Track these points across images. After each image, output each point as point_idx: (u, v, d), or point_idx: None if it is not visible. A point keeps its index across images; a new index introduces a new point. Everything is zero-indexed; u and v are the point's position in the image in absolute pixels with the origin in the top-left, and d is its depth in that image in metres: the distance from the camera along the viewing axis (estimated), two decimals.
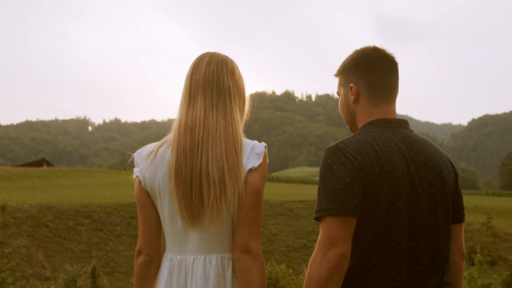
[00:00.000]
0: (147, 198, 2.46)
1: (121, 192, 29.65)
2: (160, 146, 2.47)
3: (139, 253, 2.51)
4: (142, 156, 2.49)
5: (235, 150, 2.35)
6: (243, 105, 2.53)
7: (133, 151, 2.52)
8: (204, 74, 2.45)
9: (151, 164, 2.43)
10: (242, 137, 2.43)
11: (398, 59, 2.47)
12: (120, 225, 23.63)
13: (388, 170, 2.21)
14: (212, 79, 2.44)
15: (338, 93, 2.58)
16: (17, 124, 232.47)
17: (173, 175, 2.35)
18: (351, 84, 2.46)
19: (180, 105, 2.48)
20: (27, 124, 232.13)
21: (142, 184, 2.45)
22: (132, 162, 2.53)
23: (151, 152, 2.46)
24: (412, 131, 2.42)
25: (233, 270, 2.38)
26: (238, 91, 2.49)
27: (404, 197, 2.23)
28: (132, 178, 2.51)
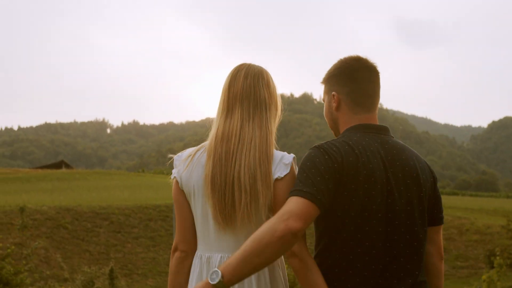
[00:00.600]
0: (183, 197, 2.62)
1: (139, 194, 29.78)
2: (197, 150, 2.63)
3: (175, 249, 2.67)
4: (181, 159, 2.65)
5: (267, 158, 2.50)
6: (276, 114, 2.68)
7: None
8: (242, 86, 2.60)
9: (188, 166, 2.60)
10: (274, 147, 2.58)
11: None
12: (138, 227, 23.70)
13: (364, 174, 2.34)
14: (250, 92, 2.59)
15: (323, 100, 2.72)
16: (36, 127, 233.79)
17: (209, 182, 2.50)
18: (333, 92, 2.60)
19: (218, 115, 2.64)
20: (46, 127, 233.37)
21: (180, 184, 2.62)
22: (171, 163, 2.71)
23: (189, 156, 2.62)
24: (393, 137, 2.55)
25: (260, 272, 2.52)
26: (273, 101, 2.65)
27: (380, 199, 2.35)
28: (170, 179, 2.68)
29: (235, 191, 2.47)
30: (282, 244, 2.15)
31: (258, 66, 2.68)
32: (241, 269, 2.17)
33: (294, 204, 2.22)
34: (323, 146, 2.39)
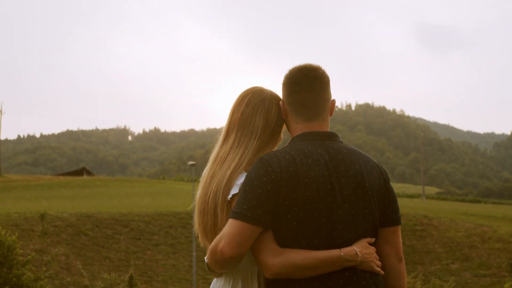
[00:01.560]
0: None
1: (160, 201, 29.86)
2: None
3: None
4: None
5: (230, 184, 2.58)
6: (271, 138, 2.74)
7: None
8: (241, 114, 2.70)
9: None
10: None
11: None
12: (158, 234, 23.74)
13: (305, 182, 2.42)
14: (246, 120, 2.69)
15: None
16: (58, 134, 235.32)
17: (197, 204, 2.68)
18: (280, 102, 2.71)
19: (220, 138, 2.77)
20: (68, 134, 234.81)
21: None
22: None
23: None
24: (341, 142, 2.63)
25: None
26: (268, 128, 2.71)
27: (323, 205, 2.43)
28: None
29: (204, 216, 2.62)
30: (224, 264, 2.39)
31: (266, 92, 2.75)
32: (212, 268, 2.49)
33: (228, 227, 2.36)
34: (263, 158, 2.49)
